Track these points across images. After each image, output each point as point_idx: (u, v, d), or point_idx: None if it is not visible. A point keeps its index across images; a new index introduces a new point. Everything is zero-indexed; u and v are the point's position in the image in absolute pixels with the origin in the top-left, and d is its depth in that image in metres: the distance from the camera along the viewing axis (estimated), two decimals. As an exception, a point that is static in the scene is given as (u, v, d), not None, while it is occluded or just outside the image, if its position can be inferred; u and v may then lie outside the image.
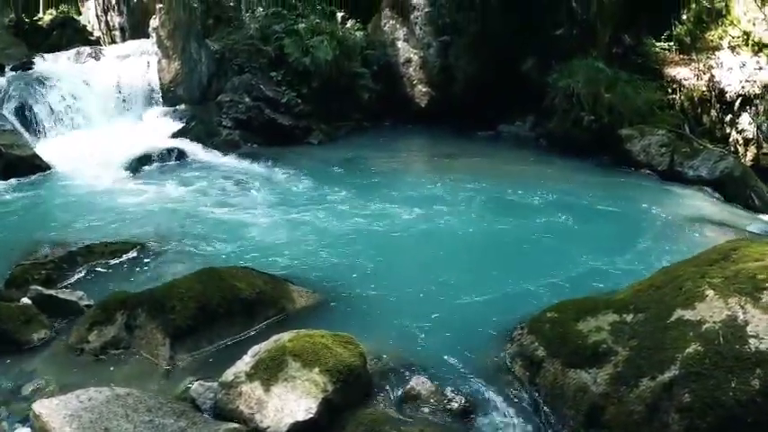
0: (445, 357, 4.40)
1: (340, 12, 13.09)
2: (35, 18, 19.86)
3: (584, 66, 11.65)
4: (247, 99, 11.74)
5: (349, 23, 12.96)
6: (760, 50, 11.17)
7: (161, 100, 13.19)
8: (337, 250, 6.35)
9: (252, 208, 7.77)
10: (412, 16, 12.87)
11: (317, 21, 12.52)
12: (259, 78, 11.99)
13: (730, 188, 9.70)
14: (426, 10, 12.70)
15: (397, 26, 13.12)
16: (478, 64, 12.74)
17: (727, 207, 9.22)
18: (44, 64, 13.42)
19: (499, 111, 12.43)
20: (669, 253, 6.38)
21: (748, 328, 3.50)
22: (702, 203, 9.14)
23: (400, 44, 13.09)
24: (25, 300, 4.97)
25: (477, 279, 5.82)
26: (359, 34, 12.87)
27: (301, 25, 12.35)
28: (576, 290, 5.10)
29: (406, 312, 5.09)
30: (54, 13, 20.35)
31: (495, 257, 6.45)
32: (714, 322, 3.62)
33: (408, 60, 13.02)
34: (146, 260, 6.14)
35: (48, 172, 9.74)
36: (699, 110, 11.64)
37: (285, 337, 3.92)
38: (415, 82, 13.00)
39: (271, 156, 10.35)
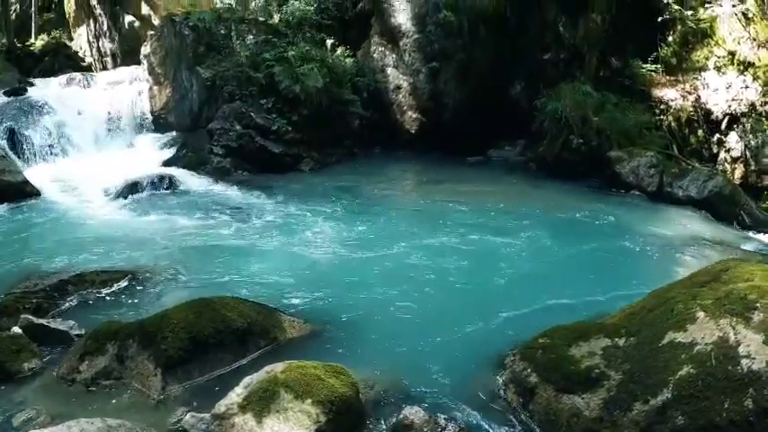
0: (438, 385, 4.38)
1: (330, 39, 13.19)
2: (27, 43, 19.99)
3: (572, 89, 11.77)
4: (238, 126, 11.77)
5: (339, 50, 13.06)
6: (745, 69, 11.28)
7: (152, 127, 13.29)
8: (329, 279, 6.34)
9: (243, 237, 7.75)
10: (401, 43, 12.98)
11: (307, 48, 12.61)
12: (249, 106, 12.05)
13: (720, 207, 9.76)
14: (415, 37, 12.82)
15: (387, 53, 13.21)
16: (467, 90, 12.85)
17: (718, 226, 9.26)
18: (36, 89, 13.52)
19: (489, 136, 12.53)
20: (660, 274, 6.37)
21: (740, 349, 3.52)
22: (692, 223, 9.17)
23: (390, 71, 13.20)
24: (16, 329, 4.93)
25: (468, 306, 5.82)
26: (349, 61, 12.98)
27: (291, 53, 12.45)
28: (568, 314, 5.08)
29: (398, 341, 5.07)
30: (46, 38, 20.49)
31: (486, 284, 6.43)
32: (706, 344, 3.63)
33: (398, 87, 13.10)
34: (137, 289, 6.10)
35: (38, 198, 9.72)
36: (686, 130, 11.71)
37: (277, 368, 3.90)
38: (404, 108, 13.07)
39: (261, 183, 10.38)
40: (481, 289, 6.30)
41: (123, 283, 6.18)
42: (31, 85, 13.83)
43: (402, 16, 12.91)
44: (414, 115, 13.03)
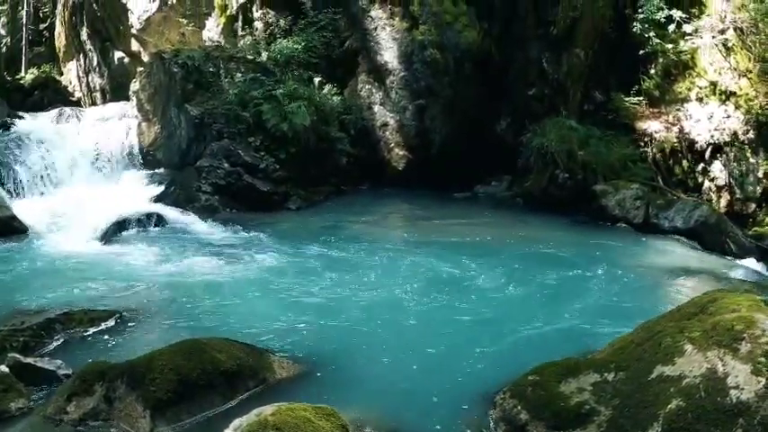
0: (429, 425, 4.35)
1: (317, 77, 13.26)
2: (17, 77, 20.04)
3: (557, 124, 11.94)
4: (226, 164, 11.78)
5: (326, 88, 13.14)
6: (727, 99, 11.46)
7: (140, 163, 13.27)
8: (318, 319, 6.31)
9: (231, 276, 7.70)
10: (388, 81, 13.12)
11: (295, 86, 12.68)
12: (237, 144, 12.08)
13: (706, 236, 9.86)
14: (402, 74, 12.97)
15: (374, 90, 13.35)
16: (454, 126, 12.99)
17: (705, 255, 9.35)
18: (25, 124, 13.46)
19: (475, 171, 12.63)
20: (649, 307, 6.40)
21: (728, 380, 3.54)
22: (679, 254, 9.25)
23: (377, 108, 13.30)
24: (2, 368, 4.84)
25: (457, 342, 5.81)
26: (336, 99, 13.08)
27: (279, 91, 12.52)
28: (558, 348, 5.09)
29: (388, 381, 5.05)
30: (36, 72, 20.56)
31: (475, 320, 6.42)
32: (694, 376, 3.65)
33: (385, 124, 13.20)
34: (125, 329, 6.05)
35: (25, 234, 9.64)
36: (671, 161, 11.84)
37: (267, 410, 3.86)
38: (392, 145, 13.16)
39: (249, 222, 10.34)
40: (469, 325, 6.29)
41: (111, 323, 6.12)
42: (21, 118, 13.76)
43: (388, 54, 13.07)
44: (401, 152, 13.11)
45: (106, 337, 5.88)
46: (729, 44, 11.60)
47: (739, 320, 3.91)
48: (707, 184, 11.47)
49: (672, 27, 11.87)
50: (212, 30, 15.86)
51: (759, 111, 11.04)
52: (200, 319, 6.32)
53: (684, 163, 11.72)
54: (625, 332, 4.56)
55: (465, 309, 6.69)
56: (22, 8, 22.21)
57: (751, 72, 11.36)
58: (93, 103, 19.45)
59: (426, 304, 6.81)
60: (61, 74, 21.37)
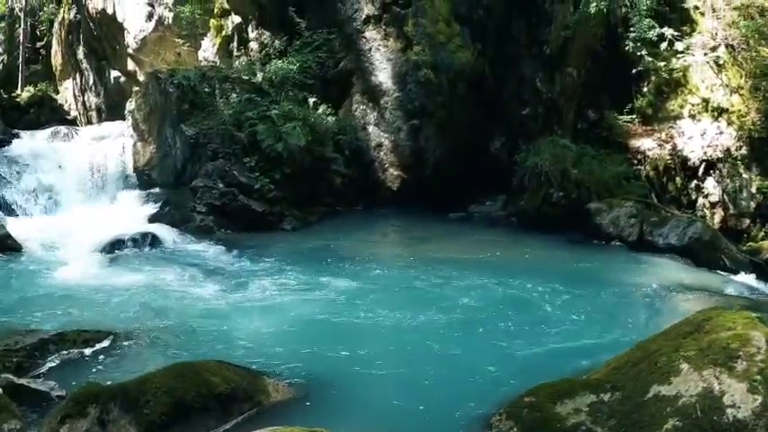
0: (424, 448, 4.33)
1: (312, 97, 13.28)
2: (13, 94, 20.12)
3: (551, 143, 12.01)
4: (221, 185, 11.78)
5: (321, 109, 13.16)
6: (719, 115, 11.55)
7: (135, 183, 13.27)
8: (313, 341, 6.27)
9: (225, 297, 7.67)
10: (382, 101, 13.17)
11: (290, 107, 12.71)
12: (233, 164, 12.08)
13: (701, 253, 9.85)
14: (396, 95, 13.01)
15: (368, 111, 13.38)
16: (448, 146, 13.01)
17: (700, 272, 9.35)
18: (20, 142, 13.51)
19: (470, 191, 12.64)
20: (644, 325, 6.43)
21: (725, 399, 3.54)
22: (674, 271, 9.24)
23: (371, 128, 13.32)
24: (-5, 388, 4.83)
25: (453, 365, 5.78)
26: (330, 119, 13.10)
27: (274, 111, 12.55)
28: (554, 369, 5.07)
29: (383, 403, 5.01)
30: (32, 90, 20.70)
31: (470, 340, 6.40)
32: (690, 396, 3.64)
33: (379, 144, 13.22)
34: (119, 350, 6.00)
35: (19, 252, 9.62)
36: (664, 178, 11.91)
37: (261, 434, 3.84)
38: (386, 166, 13.16)
39: (244, 243, 10.32)
40: (464, 345, 6.27)
41: (105, 343, 6.07)
42: (17, 136, 13.79)
43: (383, 75, 13.13)
44: (395, 172, 13.12)
45: (100, 358, 5.83)
46: (721, 61, 11.73)
47: (735, 338, 3.92)
48: (701, 200, 11.53)
49: (664, 45, 12.02)
50: (208, 50, 15.97)
51: (751, 127, 11.15)
52: (195, 341, 6.27)
53: (678, 180, 11.78)
54: (621, 351, 4.55)
55: (460, 329, 6.67)
56: (19, 26, 22.37)
57: (743, 88, 11.48)
58: (89, 122, 19.55)
59: (422, 325, 6.77)
60: (57, 92, 21.52)
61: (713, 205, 11.41)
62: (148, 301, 7.49)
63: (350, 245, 10.39)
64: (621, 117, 12.58)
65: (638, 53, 12.10)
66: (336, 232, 11.23)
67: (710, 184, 11.47)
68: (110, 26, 18.27)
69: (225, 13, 15.58)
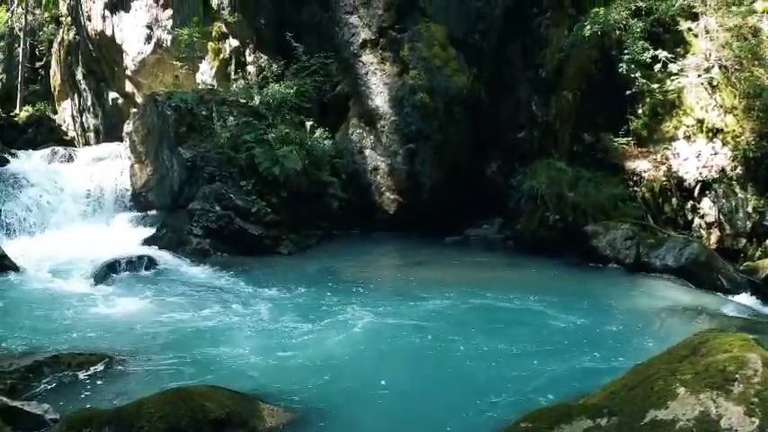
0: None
1: (309, 121, 13.35)
2: (11, 114, 20.19)
3: (547, 167, 12.05)
4: (218, 208, 11.79)
5: (318, 132, 13.22)
6: (714, 136, 11.60)
7: (132, 204, 13.31)
8: (308, 365, 6.25)
9: (221, 322, 7.63)
10: (379, 125, 13.22)
11: (287, 130, 12.77)
12: (229, 187, 12.10)
13: (698, 273, 9.86)
14: (392, 119, 13.08)
15: (365, 135, 13.44)
16: (444, 170, 13.06)
17: (697, 293, 9.34)
18: (18, 162, 13.54)
19: (466, 215, 12.67)
20: (641, 348, 6.39)
21: (722, 422, 3.53)
22: (671, 292, 9.23)
23: (368, 152, 13.37)
24: (-11, 410, 4.80)
25: (449, 389, 5.76)
26: (327, 143, 13.15)
27: (271, 135, 12.62)
28: (551, 394, 5.06)
29: (380, 429, 4.99)
30: (30, 110, 20.77)
31: (466, 365, 6.36)
32: (687, 420, 3.62)
33: (376, 168, 13.26)
34: (113, 374, 5.97)
35: (16, 273, 9.62)
36: (660, 200, 11.91)
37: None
38: (383, 189, 13.19)
39: (241, 266, 10.30)
40: (461, 370, 6.23)
41: (100, 367, 6.06)
42: (14, 156, 13.80)
43: (379, 99, 13.21)
44: (392, 196, 13.14)
45: (95, 381, 5.81)
46: (715, 82, 11.79)
47: (731, 361, 3.90)
48: (697, 221, 11.53)
49: (658, 67, 12.08)
50: (206, 73, 16.06)
51: (746, 146, 11.18)
52: (190, 365, 6.24)
53: (674, 201, 11.79)
54: (618, 375, 4.53)
55: (456, 353, 6.64)
56: (19, 45, 22.51)
57: (737, 108, 11.53)
58: (87, 143, 19.61)
59: (418, 349, 6.75)
60: (56, 112, 21.61)
61: (709, 225, 11.41)
62: (143, 324, 7.47)
63: (346, 269, 10.38)
64: (617, 139, 12.61)
65: (633, 75, 12.17)
66: (333, 256, 11.20)
67: (706, 205, 11.47)
68: (109, 48, 18.39)
69: (223, 37, 15.70)
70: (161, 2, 16.43)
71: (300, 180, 12.21)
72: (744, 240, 11.10)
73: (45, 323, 7.34)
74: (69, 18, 20.47)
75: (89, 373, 5.93)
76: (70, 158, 14.30)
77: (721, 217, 11.29)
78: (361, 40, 13.48)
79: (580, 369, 6.02)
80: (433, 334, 7.17)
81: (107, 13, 17.83)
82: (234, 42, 15.52)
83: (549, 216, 11.48)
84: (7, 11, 23.80)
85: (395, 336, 7.12)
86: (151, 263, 10.31)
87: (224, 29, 15.52)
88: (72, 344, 6.58)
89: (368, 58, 13.41)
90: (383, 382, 5.87)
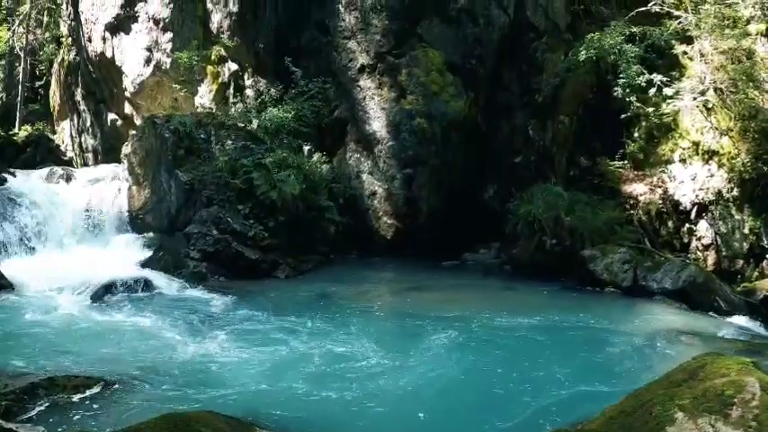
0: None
1: (306, 145, 13.36)
2: (10, 133, 20.20)
3: (544, 191, 12.08)
4: (215, 231, 11.78)
5: (315, 157, 13.23)
6: (710, 158, 11.64)
7: (129, 226, 13.24)
8: (305, 390, 6.21)
9: (218, 346, 7.59)
10: (376, 150, 13.26)
11: (285, 154, 12.78)
12: (227, 211, 12.09)
13: (695, 296, 9.86)
14: (390, 144, 13.11)
15: (362, 159, 13.47)
16: (441, 195, 13.08)
17: (695, 316, 9.34)
18: (16, 181, 13.48)
19: (463, 239, 12.64)
20: (640, 372, 6.38)
21: (720, 447, 3.49)
22: (669, 316, 9.23)
23: (365, 177, 13.39)
24: (-16, 432, 4.77)
25: (447, 415, 5.74)
26: (325, 167, 13.16)
27: (269, 159, 12.62)
28: (549, 420, 5.03)
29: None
30: (29, 129, 20.78)
31: (464, 391, 6.36)
32: (686, 446, 3.59)
33: (373, 193, 13.27)
34: (109, 397, 5.93)
35: (11, 292, 9.60)
36: (657, 222, 11.93)
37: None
38: (380, 214, 13.19)
39: (238, 290, 10.26)
40: (458, 395, 6.23)
41: (95, 390, 6.02)
42: (12, 175, 13.79)
43: (377, 123, 13.26)
44: (389, 221, 13.13)
45: (90, 404, 5.76)
46: (710, 105, 11.84)
47: (729, 385, 3.89)
48: (694, 243, 11.54)
49: (653, 91, 12.12)
50: (204, 96, 16.12)
51: (742, 168, 11.21)
52: (185, 390, 6.21)
53: (670, 224, 11.81)
54: (616, 400, 4.51)
55: (454, 379, 6.63)
56: (19, 65, 22.63)
57: (732, 130, 11.57)
58: (85, 164, 19.59)
59: (416, 375, 6.72)
60: (54, 132, 21.64)
61: (706, 247, 11.41)
62: (140, 347, 7.45)
63: (343, 294, 10.33)
64: (613, 163, 12.64)
65: (628, 99, 12.22)
66: (330, 281, 11.14)
67: (703, 227, 11.48)
68: (108, 69, 18.46)
69: (222, 61, 15.80)
70: (161, 25, 16.54)
71: (298, 204, 12.21)
72: (741, 262, 11.11)
73: (40, 344, 7.31)
74: (70, 39, 20.55)
75: (84, 396, 5.89)
76: (68, 179, 14.24)
77: (718, 239, 11.30)
78: (359, 65, 13.57)
79: (578, 394, 6.00)
80: (430, 360, 7.15)
81: (107, 34, 17.93)
82: (233, 66, 15.62)
83: (547, 240, 11.49)
84: (8, 30, 23.95)
85: (392, 361, 7.09)
86: (148, 285, 10.28)
87: (223, 53, 15.63)
88: (67, 366, 6.55)
89: (365, 82, 13.50)
90: (379, 407, 5.85)
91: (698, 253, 11.41)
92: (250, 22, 14.80)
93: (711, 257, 11.30)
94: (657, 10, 12.81)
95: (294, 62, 14.05)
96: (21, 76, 22.39)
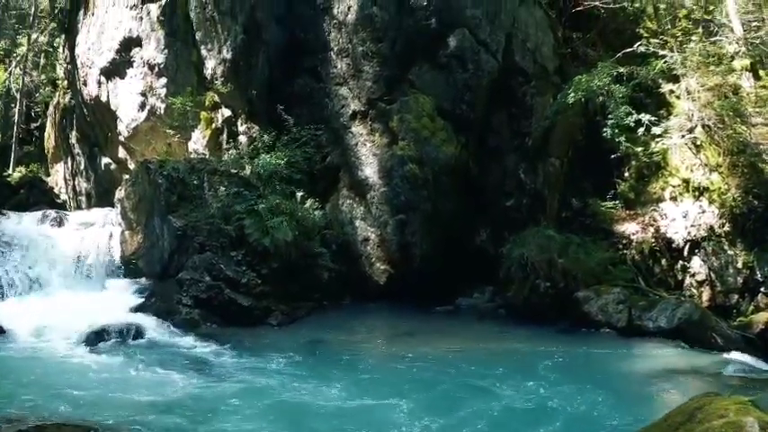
0: None
1: (299, 191, 13.32)
2: (4, 174, 20.20)
3: (536, 234, 12.10)
4: (208, 278, 11.71)
5: (308, 203, 13.20)
6: (701, 195, 11.72)
7: (122, 271, 13.12)
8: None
9: (209, 394, 7.52)
10: (368, 195, 13.25)
11: (277, 201, 12.76)
12: (220, 257, 12.04)
13: (691, 333, 9.85)
14: (382, 189, 13.10)
15: (355, 205, 13.44)
16: (434, 240, 13.02)
17: (692, 353, 9.32)
18: (8, 223, 13.47)
19: (457, 284, 12.57)
20: (637, 415, 6.30)
21: (720, 491, 3.44)
22: (666, 355, 9.20)
23: (358, 223, 13.34)
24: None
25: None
26: (317, 214, 13.15)
27: (262, 206, 12.60)
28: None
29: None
30: (23, 171, 20.78)
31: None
32: (685, 490, 3.54)
33: (366, 239, 13.22)
34: (98, 447, 5.81)
35: (2, 336, 9.53)
36: (650, 261, 11.95)
37: None
38: (373, 260, 13.11)
39: (230, 337, 10.16)
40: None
41: (85, 438, 5.90)
42: (5, 216, 13.74)
43: (369, 170, 13.27)
44: (382, 266, 13.05)
45: (79, 454, 5.67)
46: (698, 141, 11.99)
47: (728, 426, 3.86)
48: (688, 280, 11.56)
49: (641, 130, 12.25)
50: (198, 142, 16.15)
51: (732, 203, 11.31)
52: (175, 440, 6.12)
53: (664, 262, 11.84)
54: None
55: (448, 425, 6.53)
56: (15, 106, 22.77)
57: (721, 166, 11.70)
58: (79, 207, 19.53)
59: (411, 423, 6.63)
60: (49, 174, 21.65)
61: (700, 284, 11.42)
62: (131, 395, 7.37)
63: (336, 341, 10.25)
64: (605, 203, 12.71)
65: (617, 139, 12.30)
66: (323, 328, 11.05)
67: (696, 264, 11.52)
68: (103, 113, 18.51)
69: (215, 107, 15.88)
70: (156, 70, 16.67)
71: (291, 251, 12.16)
72: (736, 296, 11.13)
73: (30, 390, 7.22)
74: (66, 82, 20.65)
75: (74, 444, 5.79)
76: (61, 222, 14.21)
77: (712, 275, 11.33)
78: (350, 112, 13.64)
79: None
80: (425, 409, 7.06)
81: (103, 78, 18.02)
82: (226, 112, 15.72)
83: (540, 283, 11.44)
84: (5, 71, 24.17)
85: (386, 409, 7.01)
86: (139, 332, 10.22)
87: (216, 99, 15.73)
88: (57, 412, 6.46)
89: (357, 129, 13.56)
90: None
91: (692, 290, 11.43)
92: (243, 69, 14.94)
93: (706, 293, 11.32)
94: (643, 50, 13.08)
95: (287, 108, 14.11)
96: (16, 118, 22.55)
